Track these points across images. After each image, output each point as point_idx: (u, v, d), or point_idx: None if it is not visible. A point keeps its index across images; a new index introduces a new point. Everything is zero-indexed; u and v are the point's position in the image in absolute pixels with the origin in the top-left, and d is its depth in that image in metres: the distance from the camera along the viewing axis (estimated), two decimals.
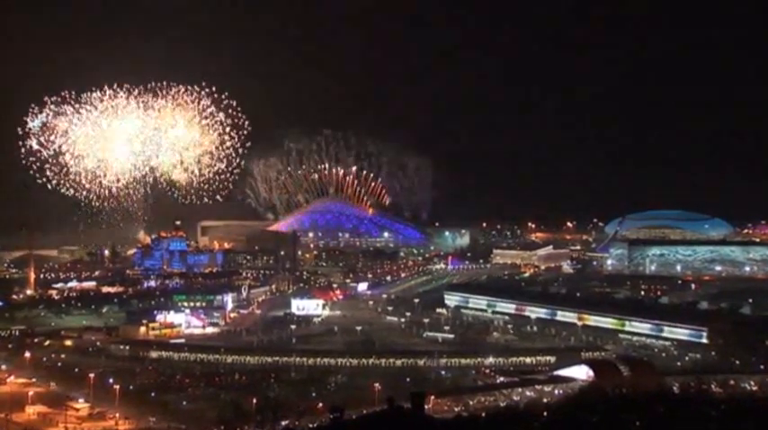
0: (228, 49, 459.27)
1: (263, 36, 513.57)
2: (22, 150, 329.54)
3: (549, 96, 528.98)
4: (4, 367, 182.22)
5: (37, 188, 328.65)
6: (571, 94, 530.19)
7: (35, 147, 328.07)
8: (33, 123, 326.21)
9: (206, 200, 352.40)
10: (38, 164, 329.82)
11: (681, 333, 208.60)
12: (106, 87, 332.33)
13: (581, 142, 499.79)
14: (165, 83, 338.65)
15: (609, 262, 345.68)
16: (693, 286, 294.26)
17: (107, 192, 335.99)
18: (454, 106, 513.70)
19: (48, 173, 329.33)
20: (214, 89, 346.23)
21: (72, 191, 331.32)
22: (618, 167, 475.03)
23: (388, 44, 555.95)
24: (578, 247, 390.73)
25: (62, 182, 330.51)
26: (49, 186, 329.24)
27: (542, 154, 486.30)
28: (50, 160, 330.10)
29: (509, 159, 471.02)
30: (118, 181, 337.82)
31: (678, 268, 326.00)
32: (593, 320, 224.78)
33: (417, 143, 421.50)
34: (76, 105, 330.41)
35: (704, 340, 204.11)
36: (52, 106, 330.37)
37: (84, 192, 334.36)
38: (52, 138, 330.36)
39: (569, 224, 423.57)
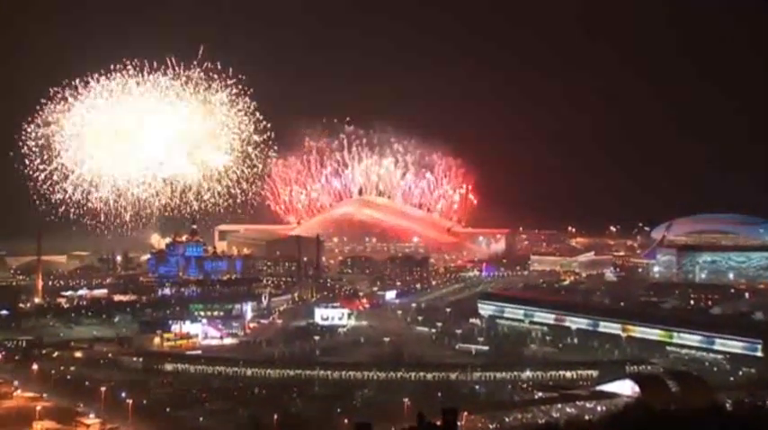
0: (244, 42, 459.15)
1: (281, 28, 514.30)
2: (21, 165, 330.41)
3: (591, 93, 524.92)
4: (16, 383, 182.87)
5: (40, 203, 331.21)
6: (617, 92, 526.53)
7: (35, 167, 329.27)
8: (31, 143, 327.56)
9: (222, 202, 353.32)
10: (38, 183, 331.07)
11: (734, 345, 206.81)
12: (110, 81, 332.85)
13: (625, 141, 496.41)
14: (177, 75, 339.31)
15: (655, 269, 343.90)
16: (747, 295, 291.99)
17: (115, 198, 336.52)
18: (487, 102, 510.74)
19: (49, 193, 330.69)
20: (231, 85, 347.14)
21: (73, 214, 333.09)
22: (665, 168, 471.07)
23: (421, 38, 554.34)
24: (622, 253, 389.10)
25: (64, 204, 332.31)
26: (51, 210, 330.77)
27: (584, 153, 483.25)
28: (50, 178, 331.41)
29: (547, 159, 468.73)
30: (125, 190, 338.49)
31: (731, 276, 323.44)
32: (639, 332, 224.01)
33: (449, 141, 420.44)
34: (78, 100, 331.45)
35: (759, 353, 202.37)
36: (52, 107, 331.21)
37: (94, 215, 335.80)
38: (51, 153, 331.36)
39: (612, 228, 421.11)
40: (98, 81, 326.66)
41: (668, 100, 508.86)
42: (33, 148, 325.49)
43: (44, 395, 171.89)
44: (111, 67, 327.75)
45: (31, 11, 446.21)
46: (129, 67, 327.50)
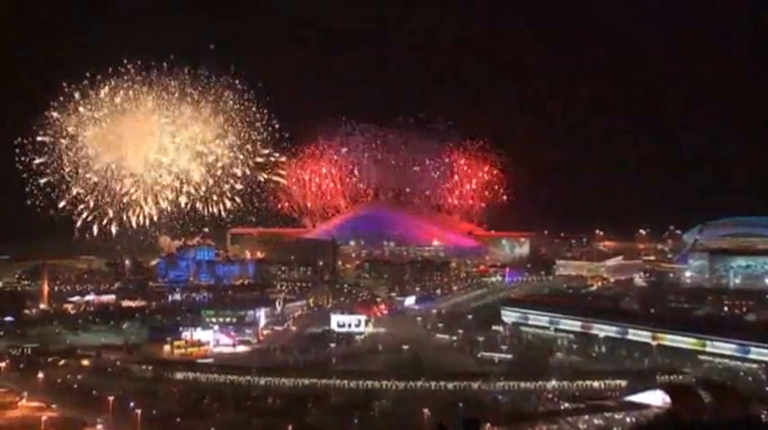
0: (252, 35, 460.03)
1: (293, 20, 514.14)
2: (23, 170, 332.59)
3: (621, 91, 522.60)
4: (25, 394, 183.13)
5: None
6: (647, 88, 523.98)
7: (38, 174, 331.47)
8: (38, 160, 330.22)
9: (235, 204, 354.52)
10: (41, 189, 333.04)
11: None
12: (112, 84, 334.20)
13: (654, 139, 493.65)
14: (185, 75, 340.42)
15: (687, 274, 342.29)
16: None
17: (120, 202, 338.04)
18: (515, 100, 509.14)
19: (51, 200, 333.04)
20: (241, 85, 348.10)
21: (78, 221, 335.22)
22: (697, 168, 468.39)
23: (448, 32, 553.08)
24: (652, 258, 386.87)
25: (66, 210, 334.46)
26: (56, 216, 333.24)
27: (611, 153, 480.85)
28: (54, 185, 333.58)
29: (573, 159, 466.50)
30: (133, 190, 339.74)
31: (766, 281, 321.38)
32: (670, 340, 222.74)
33: (471, 141, 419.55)
34: (80, 103, 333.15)
35: None
36: (54, 110, 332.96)
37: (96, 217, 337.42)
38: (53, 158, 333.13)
39: (642, 231, 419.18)
40: (101, 84, 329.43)
41: (702, 98, 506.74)
42: (36, 154, 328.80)
43: (53, 406, 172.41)
44: (111, 70, 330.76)
45: (29, 11, 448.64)
46: (133, 69, 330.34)
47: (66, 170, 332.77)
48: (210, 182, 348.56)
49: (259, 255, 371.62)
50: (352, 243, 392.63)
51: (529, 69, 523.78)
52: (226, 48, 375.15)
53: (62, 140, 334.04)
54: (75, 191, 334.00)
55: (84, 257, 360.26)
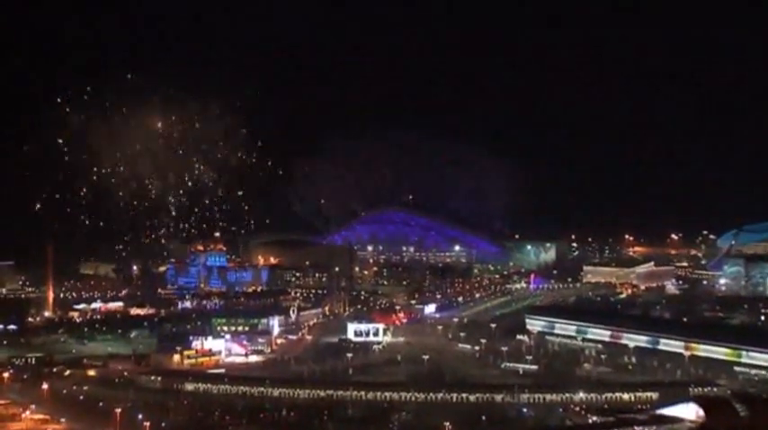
0: (260, 36, 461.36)
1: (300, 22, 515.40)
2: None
3: (651, 89, 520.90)
4: (33, 406, 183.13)
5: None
6: (680, 87, 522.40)
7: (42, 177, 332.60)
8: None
9: (248, 208, 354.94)
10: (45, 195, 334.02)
11: None
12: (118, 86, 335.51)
13: (687, 140, 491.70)
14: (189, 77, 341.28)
15: (722, 281, 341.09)
16: None
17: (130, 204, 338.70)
18: (538, 99, 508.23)
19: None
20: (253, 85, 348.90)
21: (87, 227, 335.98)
22: (732, 169, 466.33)
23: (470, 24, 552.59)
24: (685, 264, 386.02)
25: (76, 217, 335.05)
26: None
27: (641, 154, 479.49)
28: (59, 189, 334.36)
29: (601, 160, 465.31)
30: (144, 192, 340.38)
31: None
32: (704, 350, 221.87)
33: (493, 140, 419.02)
34: (82, 107, 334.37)
35: None
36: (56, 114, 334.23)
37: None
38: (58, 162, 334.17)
39: (674, 237, 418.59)
40: (104, 88, 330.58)
41: (737, 98, 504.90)
42: (40, 157, 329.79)
43: (62, 420, 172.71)
44: (114, 73, 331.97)
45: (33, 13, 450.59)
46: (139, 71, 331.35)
47: (70, 174, 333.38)
48: (223, 184, 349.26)
49: (272, 260, 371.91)
50: (370, 248, 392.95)
51: (550, 71, 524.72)
52: (231, 50, 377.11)
53: (65, 144, 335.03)
54: (71, 210, 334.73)
55: (90, 263, 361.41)
